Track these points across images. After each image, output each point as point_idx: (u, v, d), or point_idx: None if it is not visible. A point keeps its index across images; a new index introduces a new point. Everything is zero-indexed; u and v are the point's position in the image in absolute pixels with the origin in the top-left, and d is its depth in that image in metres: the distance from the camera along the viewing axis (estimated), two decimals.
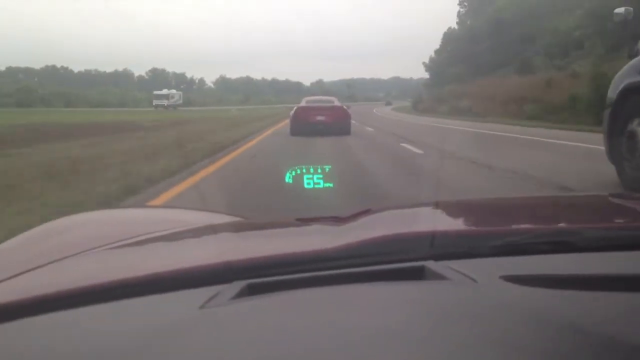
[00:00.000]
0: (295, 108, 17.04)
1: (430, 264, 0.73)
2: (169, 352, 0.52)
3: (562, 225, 0.98)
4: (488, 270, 0.70)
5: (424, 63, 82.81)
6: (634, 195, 1.76)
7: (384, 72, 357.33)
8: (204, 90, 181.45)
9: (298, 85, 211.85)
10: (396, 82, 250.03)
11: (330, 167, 1.88)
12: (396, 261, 0.76)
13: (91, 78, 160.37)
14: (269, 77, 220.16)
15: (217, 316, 0.62)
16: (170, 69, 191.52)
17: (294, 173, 1.91)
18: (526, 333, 0.51)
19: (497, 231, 0.92)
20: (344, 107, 17.58)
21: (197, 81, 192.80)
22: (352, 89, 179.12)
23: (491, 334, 0.50)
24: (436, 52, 79.01)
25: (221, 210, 1.75)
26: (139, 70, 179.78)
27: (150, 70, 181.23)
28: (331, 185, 1.89)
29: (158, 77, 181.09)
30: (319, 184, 1.85)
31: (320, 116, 16.15)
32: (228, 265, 0.78)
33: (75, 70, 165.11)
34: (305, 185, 1.90)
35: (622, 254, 0.77)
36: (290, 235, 1.10)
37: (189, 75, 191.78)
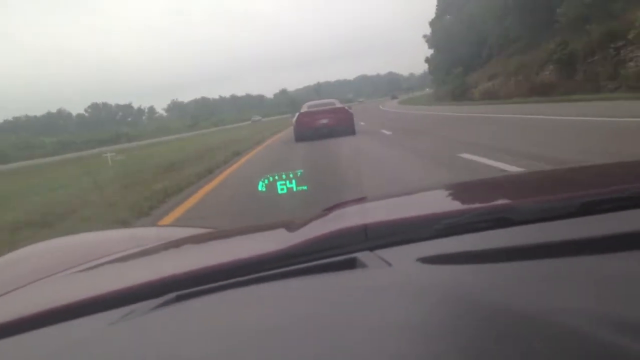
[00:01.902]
0: (297, 115, 17.06)
1: (362, 255, 0.75)
2: None
3: (497, 202, 0.98)
4: (409, 254, 0.72)
5: (425, 38, 67.87)
6: (573, 168, 1.79)
7: (349, 72, 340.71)
8: (155, 119, 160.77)
9: (260, 98, 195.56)
10: (363, 80, 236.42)
11: (302, 171, 1.88)
12: (334, 256, 0.77)
13: (20, 125, 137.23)
14: (226, 95, 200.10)
15: (129, 328, 0.62)
16: (112, 101, 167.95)
17: (266, 181, 1.89)
18: (427, 310, 0.52)
19: (431, 216, 0.93)
20: (346, 107, 17.31)
21: (146, 110, 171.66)
22: (321, 94, 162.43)
23: (395, 314, 0.51)
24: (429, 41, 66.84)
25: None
26: (77, 107, 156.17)
27: (89, 107, 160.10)
28: (305, 188, 1.90)
29: (100, 113, 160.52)
30: (292, 188, 1.89)
31: (324, 119, 16.11)
32: (157, 281, 0.79)
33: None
34: (279, 191, 1.91)
35: (551, 224, 0.79)
36: (238, 243, 1.15)
37: (135, 105, 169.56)
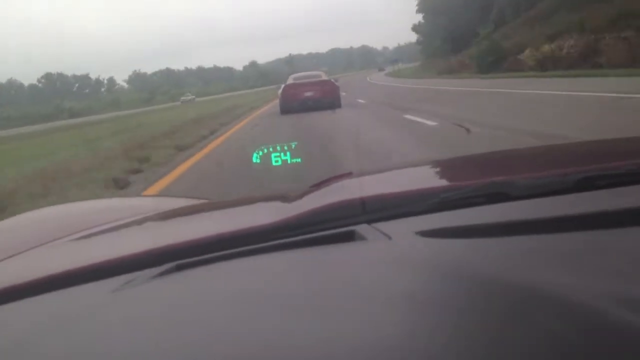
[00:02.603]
0: (282, 86, 16.76)
1: (360, 228, 0.75)
2: (74, 338, 0.52)
3: (494, 177, 0.97)
4: (408, 227, 0.72)
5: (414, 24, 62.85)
6: (569, 144, 1.84)
7: (322, 45, 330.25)
8: (115, 92, 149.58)
9: (229, 70, 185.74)
10: (336, 53, 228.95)
11: (296, 143, 1.92)
12: (332, 228, 0.78)
13: None
14: (193, 67, 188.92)
15: (130, 296, 0.63)
16: (69, 71, 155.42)
17: (260, 153, 1.93)
18: (429, 283, 0.52)
19: (429, 190, 0.94)
20: (332, 80, 17.00)
21: (105, 82, 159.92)
22: (293, 67, 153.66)
23: (396, 288, 0.52)
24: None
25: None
26: (29, 78, 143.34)
27: (43, 77, 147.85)
28: (299, 160, 1.94)
29: (55, 84, 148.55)
30: (286, 160, 1.91)
31: (309, 92, 15.89)
32: (157, 249, 0.80)
33: None
34: (273, 163, 1.93)
35: (550, 199, 0.80)
36: (236, 214, 1.14)
37: (93, 76, 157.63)
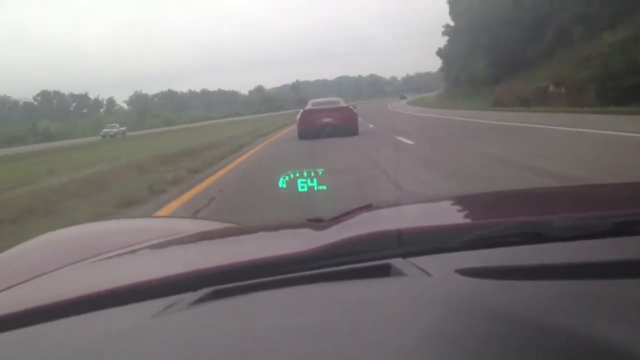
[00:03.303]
0: (301, 112, 16.80)
1: (396, 262, 0.74)
2: None
3: (531, 216, 0.97)
4: (448, 264, 0.71)
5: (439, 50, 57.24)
6: (607, 184, 1.81)
7: (329, 72, 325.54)
8: (114, 113, 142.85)
9: (234, 94, 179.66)
10: (344, 81, 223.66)
11: (322, 170, 1.87)
12: (366, 260, 0.77)
13: None
14: (197, 89, 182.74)
15: (170, 322, 0.64)
16: (66, 90, 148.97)
17: (287, 178, 1.88)
18: (470, 324, 0.52)
19: (466, 225, 0.94)
20: (351, 107, 17.15)
21: (104, 102, 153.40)
22: (300, 93, 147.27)
23: (438, 327, 0.51)
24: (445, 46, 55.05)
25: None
26: (23, 94, 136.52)
27: (39, 94, 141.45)
28: (324, 187, 1.87)
29: (52, 102, 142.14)
30: (312, 187, 1.84)
31: (327, 118, 15.99)
32: (194, 273, 0.81)
33: None
34: (299, 189, 1.87)
35: (587, 243, 0.78)
36: (267, 240, 1.16)
37: (92, 95, 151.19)
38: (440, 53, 56.02)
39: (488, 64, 35.42)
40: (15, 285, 0.97)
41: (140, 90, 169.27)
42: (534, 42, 33.01)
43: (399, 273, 0.70)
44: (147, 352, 0.54)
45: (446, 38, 53.71)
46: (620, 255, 0.70)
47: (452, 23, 51.08)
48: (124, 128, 55.38)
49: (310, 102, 17.65)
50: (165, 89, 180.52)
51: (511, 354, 0.44)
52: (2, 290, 0.95)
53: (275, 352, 0.48)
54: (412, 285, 0.67)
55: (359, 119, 16.55)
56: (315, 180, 1.81)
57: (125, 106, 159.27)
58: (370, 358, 0.44)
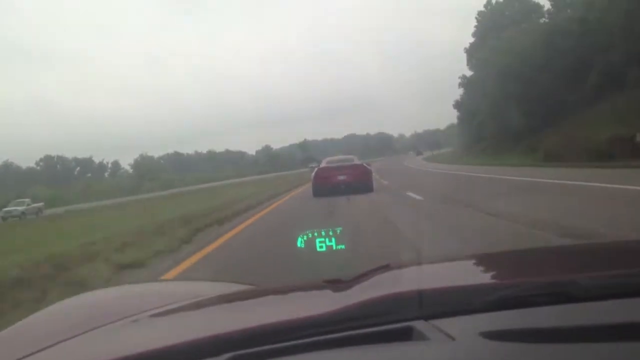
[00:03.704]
0: (315, 169, 17.08)
1: (418, 324, 0.74)
2: None
3: (555, 275, 0.95)
4: (472, 327, 0.70)
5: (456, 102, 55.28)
6: (631, 241, 1.74)
7: (337, 131, 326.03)
8: (119, 176, 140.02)
9: (241, 155, 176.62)
10: (352, 139, 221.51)
11: (341, 229, 1.84)
12: (387, 322, 0.77)
13: None
14: (203, 150, 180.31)
15: None
16: (70, 154, 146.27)
17: (305, 237, 1.87)
18: None
19: (489, 285, 0.92)
20: (365, 164, 17.46)
21: (109, 165, 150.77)
22: (308, 151, 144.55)
23: None
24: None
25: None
26: (27, 161, 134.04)
27: (42, 159, 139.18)
28: (343, 247, 1.85)
29: (55, 167, 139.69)
30: (331, 246, 1.82)
31: (342, 175, 16.10)
32: (215, 338, 0.81)
33: None
34: (318, 249, 1.85)
35: (615, 302, 0.76)
36: (286, 303, 1.15)
37: (97, 159, 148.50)
38: (457, 105, 52.29)
39: (521, 114, 31.18)
40: (35, 353, 0.96)
41: (146, 153, 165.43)
42: (574, 87, 28.86)
43: (421, 337, 0.68)
44: None
45: (461, 91, 50.13)
46: None
47: (468, 73, 47.51)
48: (40, 204, 42.81)
49: (325, 160, 17.73)
50: (171, 150, 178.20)
51: None
52: (22, 358, 0.94)
53: None
54: (436, 350, 0.65)
55: (376, 176, 16.77)
56: (333, 239, 1.78)
57: (130, 169, 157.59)
58: None
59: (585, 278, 0.85)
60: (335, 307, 0.81)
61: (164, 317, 1.13)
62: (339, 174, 16.08)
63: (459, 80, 51.44)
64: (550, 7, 36.10)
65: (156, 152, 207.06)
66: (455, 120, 56.99)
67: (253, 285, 1.64)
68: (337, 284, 1.03)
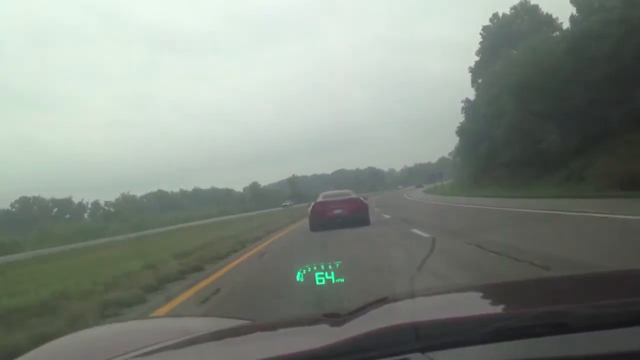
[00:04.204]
0: (312, 204, 17.20)
1: (415, 357, 0.74)
2: None
3: (551, 306, 0.93)
4: (469, 359, 0.68)
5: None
6: (630, 270, 1.68)
7: (326, 166, 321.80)
8: (99, 216, 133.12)
9: (227, 192, 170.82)
10: (342, 174, 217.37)
11: (340, 262, 1.84)
12: (385, 355, 0.76)
13: None
14: (188, 188, 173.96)
15: None
16: (48, 194, 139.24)
17: (304, 271, 1.86)
18: None
19: (486, 316, 0.90)
20: (361, 198, 17.51)
21: (88, 206, 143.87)
22: (296, 187, 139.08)
23: None
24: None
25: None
26: (4, 203, 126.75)
27: (17, 201, 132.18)
28: (342, 280, 1.84)
29: (31, 208, 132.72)
30: (330, 279, 1.81)
31: (338, 209, 16.22)
32: None
33: None
34: (317, 282, 1.85)
35: (614, 332, 0.76)
36: (283, 337, 1.15)
37: (76, 199, 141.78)
38: (460, 132, 47.01)
39: (554, 134, 25.59)
40: None
41: (128, 192, 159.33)
42: (617, 100, 23.46)
43: None
44: None
45: (462, 118, 44.97)
46: None
47: (471, 96, 42.37)
48: None
49: (321, 194, 17.91)
50: (155, 189, 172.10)
51: None
52: None
53: None
54: None
55: (377, 209, 18.03)
56: (332, 273, 1.78)
57: (111, 209, 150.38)
58: None
59: (581, 308, 0.84)
60: (332, 341, 0.80)
61: (156, 355, 1.11)
62: (336, 207, 16.16)
63: (462, 105, 46.59)
64: (573, 13, 30.91)
65: (138, 191, 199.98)
66: (446, 154, 52.65)
67: (248, 320, 1.63)
68: (334, 318, 1.02)
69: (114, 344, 1.31)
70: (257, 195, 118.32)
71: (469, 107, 45.59)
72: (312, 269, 1.80)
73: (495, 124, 34.15)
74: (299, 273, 1.82)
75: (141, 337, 1.34)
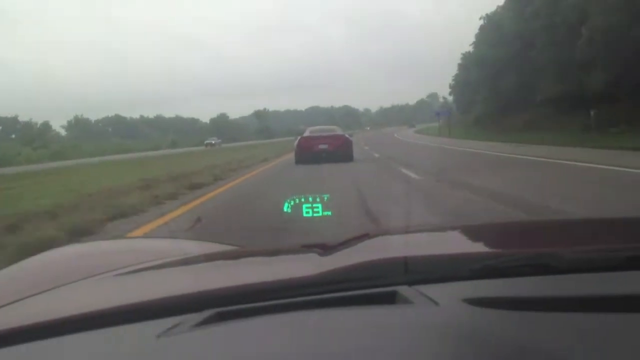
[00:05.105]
0: (299, 138, 17.50)
1: (402, 289, 0.74)
2: None
3: (540, 248, 0.97)
4: (456, 293, 0.71)
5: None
6: (617, 218, 1.76)
7: (300, 102, 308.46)
8: (50, 139, 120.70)
9: (193, 122, 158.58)
10: (316, 111, 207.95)
11: (328, 196, 1.77)
12: (372, 287, 0.78)
13: None
14: (150, 115, 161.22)
15: (175, 344, 0.64)
16: None
17: (292, 202, 1.84)
18: (477, 354, 0.52)
19: (474, 255, 0.93)
20: (347, 135, 17.82)
21: (38, 126, 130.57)
22: (265, 121, 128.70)
23: (444, 356, 0.52)
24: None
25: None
26: None
27: None
28: (329, 213, 1.80)
29: None
30: (317, 212, 1.78)
31: (323, 144, 16.58)
32: (197, 294, 0.81)
33: None
34: (304, 214, 1.83)
35: (597, 276, 0.78)
36: (273, 264, 1.16)
37: (24, 118, 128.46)
38: (463, 65, 37.09)
39: (586, 69, 15.99)
40: (15, 302, 0.95)
41: (82, 115, 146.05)
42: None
43: (406, 301, 0.69)
44: None
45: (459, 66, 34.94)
46: (630, 289, 0.69)
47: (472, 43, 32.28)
48: None
49: (308, 129, 18.47)
50: (111, 113, 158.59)
51: None
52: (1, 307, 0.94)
53: None
54: (419, 313, 0.66)
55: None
56: (320, 205, 1.74)
57: (63, 132, 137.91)
58: None
59: (569, 251, 0.86)
60: (321, 270, 0.81)
61: (147, 272, 1.12)
62: (321, 142, 16.58)
63: (480, 22, 36.64)
64: None
65: (93, 115, 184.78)
66: (424, 97, 44.60)
67: (238, 246, 1.65)
68: (322, 249, 1.02)
69: (101, 261, 1.30)
70: (222, 128, 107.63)
71: (488, 27, 35.67)
72: (299, 201, 1.76)
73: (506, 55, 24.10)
74: (286, 204, 1.78)
75: (128, 257, 1.34)
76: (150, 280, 1.07)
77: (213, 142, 70.02)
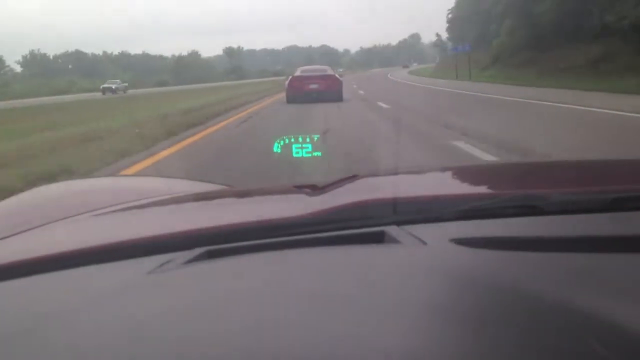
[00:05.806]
0: (290, 77, 18.01)
1: (391, 229, 0.75)
2: (110, 316, 0.54)
3: (528, 189, 0.98)
4: (443, 233, 0.72)
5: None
6: (605, 160, 1.76)
7: (277, 42, 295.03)
8: (2, 76, 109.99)
9: (160, 59, 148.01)
10: (293, 51, 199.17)
11: (318, 136, 1.88)
12: (361, 227, 0.78)
13: None
14: (114, 52, 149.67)
15: (165, 279, 0.65)
16: None
17: (282, 142, 1.90)
18: (464, 293, 0.53)
19: (462, 196, 0.95)
20: (337, 75, 18.23)
21: None
22: (237, 60, 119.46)
23: (430, 294, 0.53)
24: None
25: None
26: None
27: None
28: (319, 154, 1.89)
29: None
30: (308, 153, 1.88)
31: (314, 84, 16.90)
32: (188, 232, 0.82)
33: None
34: (294, 154, 1.90)
35: (583, 217, 0.79)
36: (263, 203, 1.16)
37: None
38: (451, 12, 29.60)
39: None
40: (1, 239, 0.95)
41: (39, 49, 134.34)
42: None
43: (394, 240, 0.70)
44: (140, 308, 0.55)
45: None
46: (614, 230, 0.72)
47: None
48: None
49: (299, 69, 18.89)
50: (71, 48, 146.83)
51: (503, 323, 0.45)
52: None
53: (267, 313, 0.49)
54: (407, 252, 0.67)
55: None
56: (310, 146, 1.81)
57: (18, 68, 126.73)
58: (361, 322, 0.45)
59: (557, 193, 0.87)
60: (311, 210, 0.82)
61: (136, 210, 1.12)
62: (311, 82, 16.89)
63: None
64: None
65: (51, 50, 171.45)
66: (406, 36, 37.54)
67: (228, 186, 1.66)
68: (311, 189, 1.03)
69: (91, 199, 1.28)
70: (182, 67, 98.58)
71: None
72: (289, 141, 1.81)
73: None
74: (275, 144, 1.83)
75: (119, 195, 1.33)
76: (140, 219, 1.06)
77: (114, 86, 53.66)
